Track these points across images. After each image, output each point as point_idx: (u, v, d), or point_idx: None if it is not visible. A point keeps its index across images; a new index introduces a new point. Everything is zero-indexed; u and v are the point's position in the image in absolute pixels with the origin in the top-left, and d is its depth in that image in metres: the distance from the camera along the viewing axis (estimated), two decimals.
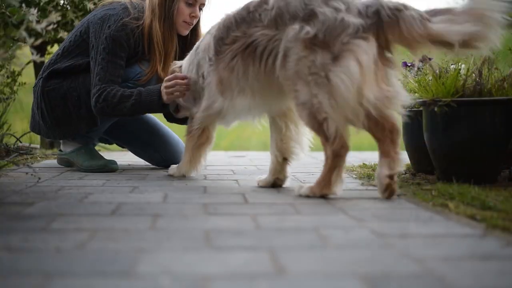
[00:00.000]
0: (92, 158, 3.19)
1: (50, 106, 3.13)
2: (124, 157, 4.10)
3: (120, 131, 3.43)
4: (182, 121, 3.21)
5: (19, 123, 5.70)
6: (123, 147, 3.67)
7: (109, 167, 3.16)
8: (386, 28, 2.17)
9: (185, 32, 3.14)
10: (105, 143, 3.71)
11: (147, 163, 3.59)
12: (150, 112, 3.23)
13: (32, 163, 3.51)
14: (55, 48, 4.84)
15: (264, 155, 4.61)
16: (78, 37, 3.16)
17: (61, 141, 3.37)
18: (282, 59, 2.27)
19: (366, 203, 2.11)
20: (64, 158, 3.34)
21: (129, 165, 3.60)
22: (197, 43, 2.83)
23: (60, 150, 3.38)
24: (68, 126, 3.15)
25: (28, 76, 4.83)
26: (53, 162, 3.72)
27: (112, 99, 2.95)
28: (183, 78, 2.81)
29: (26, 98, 7.33)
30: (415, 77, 2.93)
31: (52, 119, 3.15)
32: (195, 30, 3.23)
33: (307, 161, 4.01)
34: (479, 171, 2.57)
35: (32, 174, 2.86)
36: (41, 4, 3.83)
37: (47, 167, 3.38)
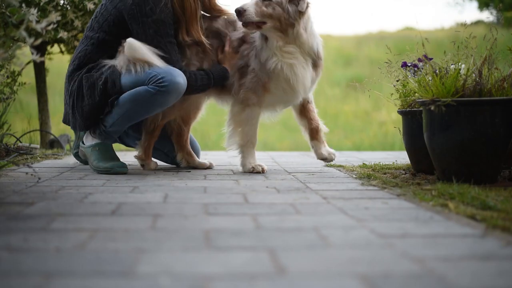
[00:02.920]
0: (102, 158, 3.12)
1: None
2: (124, 157, 4.10)
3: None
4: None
5: (19, 123, 5.70)
6: (130, 145, 3.60)
7: (115, 170, 3.08)
8: None
9: None
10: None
11: None
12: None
13: (32, 163, 3.51)
14: (55, 48, 4.83)
15: (264, 155, 4.61)
16: (112, 27, 3.11)
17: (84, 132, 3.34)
18: None
19: (366, 203, 2.12)
20: (83, 151, 3.30)
21: (129, 165, 3.60)
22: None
23: (82, 142, 3.31)
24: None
25: (28, 76, 4.83)
26: (53, 162, 3.73)
27: (196, 82, 3.07)
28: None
29: (26, 98, 7.33)
30: (415, 77, 2.93)
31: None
32: None
33: (307, 161, 4.02)
34: (479, 171, 2.57)
35: (32, 174, 2.86)
36: (41, 4, 3.83)
37: (47, 167, 3.38)
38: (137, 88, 2.98)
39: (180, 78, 2.97)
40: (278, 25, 3.01)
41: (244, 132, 3.15)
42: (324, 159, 3.39)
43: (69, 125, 3.24)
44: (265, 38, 3.10)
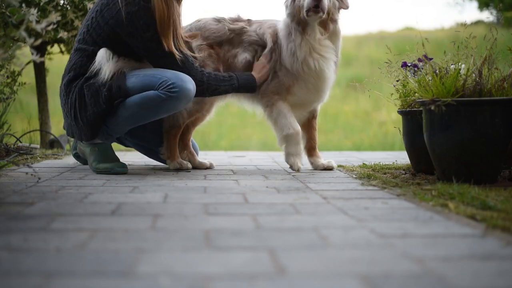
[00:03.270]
0: (102, 159, 3.11)
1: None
2: (124, 157, 4.11)
3: (143, 128, 3.36)
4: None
5: (19, 123, 5.70)
6: (128, 146, 3.60)
7: (115, 171, 3.08)
8: None
9: None
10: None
11: (146, 163, 3.59)
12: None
13: (32, 163, 3.51)
14: (55, 48, 4.83)
15: (264, 155, 4.61)
16: (106, 41, 3.03)
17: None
18: None
19: (366, 203, 2.12)
20: (82, 149, 3.27)
21: (129, 165, 3.60)
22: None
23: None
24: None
25: (28, 76, 4.83)
26: (53, 162, 3.73)
27: (217, 82, 3.10)
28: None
29: (26, 98, 7.33)
30: (415, 77, 2.93)
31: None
32: None
33: (307, 161, 4.01)
34: (479, 171, 2.57)
35: (32, 174, 2.86)
36: (41, 4, 3.83)
37: (47, 167, 3.38)
38: (147, 92, 2.95)
39: (190, 84, 2.97)
40: (325, 18, 3.04)
41: (281, 125, 3.16)
42: (324, 169, 3.37)
43: (74, 137, 3.20)
44: (300, 32, 3.06)
